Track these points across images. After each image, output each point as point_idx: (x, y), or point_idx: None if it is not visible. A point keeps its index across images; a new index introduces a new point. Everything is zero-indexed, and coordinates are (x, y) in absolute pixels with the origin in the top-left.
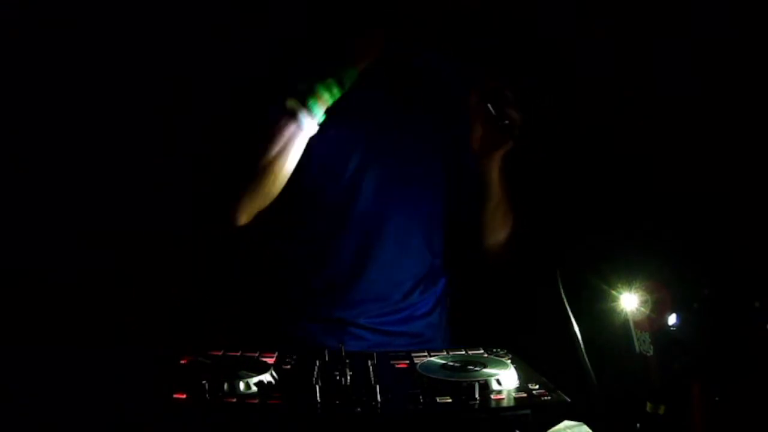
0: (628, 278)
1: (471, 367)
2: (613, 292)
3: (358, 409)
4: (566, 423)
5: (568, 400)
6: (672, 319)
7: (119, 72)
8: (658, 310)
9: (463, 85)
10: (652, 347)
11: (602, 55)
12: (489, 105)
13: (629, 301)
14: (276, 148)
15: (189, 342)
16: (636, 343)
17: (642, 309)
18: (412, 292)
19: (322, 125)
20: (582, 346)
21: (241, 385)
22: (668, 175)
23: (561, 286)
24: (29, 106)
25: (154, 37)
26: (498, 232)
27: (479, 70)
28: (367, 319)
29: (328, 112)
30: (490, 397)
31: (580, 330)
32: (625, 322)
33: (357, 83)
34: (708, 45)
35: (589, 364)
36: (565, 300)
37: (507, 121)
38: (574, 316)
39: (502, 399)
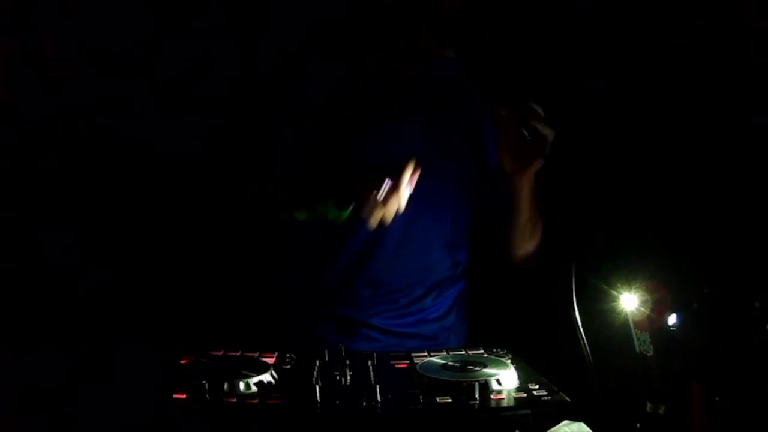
0: (628, 278)
1: (471, 367)
2: (613, 292)
3: (363, 404)
4: (566, 423)
5: (568, 400)
6: (672, 319)
7: (119, 71)
8: (658, 310)
9: (481, 94)
10: (652, 347)
11: (602, 56)
12: (521, 125)
13: (629, 301)
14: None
15: (189, 342)
16: (636, 343)
17: (642, 309)
18: (425, 297)
19: (341, 136)
20: (583, 335)
21: (241, 385)
22: (668, 176)
23: (573, 280)
24: (30, 105)
25: (155, 36)
26: (526, 245)
27: (494, 77)
28: (380, 320)
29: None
30: (490, 397)
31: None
32: (625, 322)
33: (360, 87)
34: (708, 45)
35: (589, 353)
36: (573, 292)
37: (538, 138)
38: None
39: (502, 399)
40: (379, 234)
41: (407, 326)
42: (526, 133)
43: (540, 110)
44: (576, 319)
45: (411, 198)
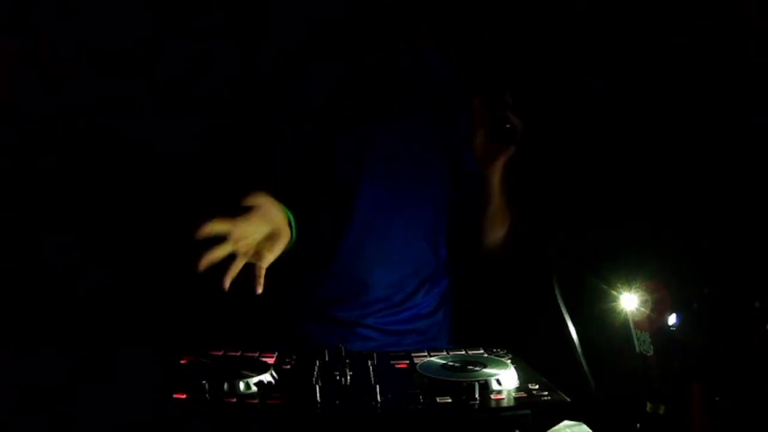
0: (628, 278)
1: (471, 367)
2: (613, 292)
3: (363, 404)
4: (566, 423)
5: (568, 400)
6: (672, 319)
7: (119, 71)
8: (658, 310)
9: (462, 86)
10: (652, 347)
11: (602, 56)
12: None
13: (629, 301)
14: None
15: (189, 342)
16: (636, 343)
17: (642, 309)
18: (416, 293)
19: (340, 136)
20: (579, 350)
21: (241, 385)
22: (668, 175)
23: (558, 292)
24: (30, 105)
25: (155, 36)
26: (496, 232)
27: (478, 71)
28: (374, 319)
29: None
30: (490, 397)
31: (579, 330)
32: (625, 322)
33: (355, 86)
34: (708, 45)
35: (586, 366)
36: (562, 305)
37: (509, 126)
38: (574, 317)
39: (502, 399)
40: (369, 233)
41: (402, 323)
42: (498, 123)
43: (510, 100)
44: (567, 325)
45: (410, 197)
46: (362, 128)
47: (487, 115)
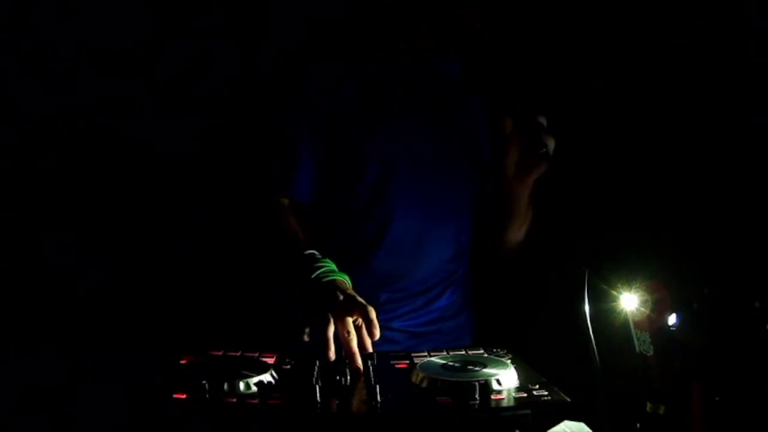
0: (628, 278)
1: (471, 367)
2: (613, 292)
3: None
4: (566, 423)
5: (568, 400)
6: (672, 319)
7: (119, 71)
8: (658, 310)
9: (463, 86)
10: (652, 347)
11: (602, 56)
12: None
13: (629, 301)
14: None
15: (189, 342)
16: (636, 343)
17: (642, 309)
18: (441, 296)
19: (340, 136)
20: (596, 350)
21: (241, 385)
22: (668, 176)
23: (586, 287)
24: (30, 105)
25: (155, 36)
26: (516, 235)
27: (478, 71)
28: (401, 322)
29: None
30: (490, 397)
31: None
32: (625, 322)
33: (355, 86)
34: (708, 45)
35: (600, 369)
36: (587, 301)
37: (544, 149)
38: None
39: (502, 399)
40: (392, 238)
41: (427, 325)
42: (532, 144)
43: (544, 121)
44: (588, 325)
45: (418, 199)
46: (375, 130)
47: (520, 137)
